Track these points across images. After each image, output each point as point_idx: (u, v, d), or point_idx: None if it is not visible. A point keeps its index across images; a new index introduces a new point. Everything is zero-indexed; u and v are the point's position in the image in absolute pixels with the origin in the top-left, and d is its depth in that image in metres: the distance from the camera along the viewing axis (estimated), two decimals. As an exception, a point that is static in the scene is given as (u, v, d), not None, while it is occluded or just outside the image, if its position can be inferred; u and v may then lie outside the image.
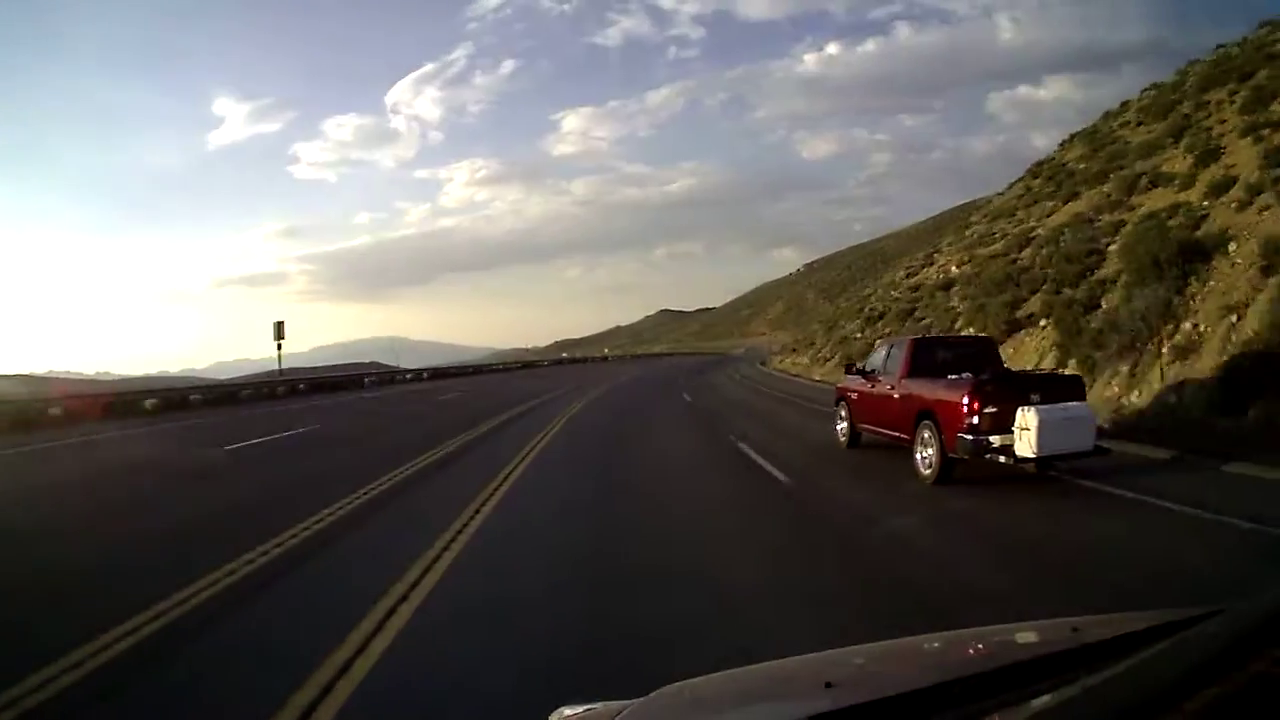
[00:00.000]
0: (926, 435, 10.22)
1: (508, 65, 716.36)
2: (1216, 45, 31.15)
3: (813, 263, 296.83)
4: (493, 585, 6.13)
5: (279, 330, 38.21)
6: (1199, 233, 16.34)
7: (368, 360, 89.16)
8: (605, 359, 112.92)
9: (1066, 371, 14.47)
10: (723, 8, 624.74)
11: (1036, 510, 8.34)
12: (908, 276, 41.89)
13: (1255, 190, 16.18)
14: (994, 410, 9.38)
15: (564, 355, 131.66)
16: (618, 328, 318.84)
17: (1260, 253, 13.85)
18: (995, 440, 9.30)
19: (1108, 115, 36.06)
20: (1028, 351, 19.71)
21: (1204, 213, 17.31)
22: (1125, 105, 35.27)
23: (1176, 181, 20.49)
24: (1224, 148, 20.07)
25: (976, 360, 11.62)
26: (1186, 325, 14.46)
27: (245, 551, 6.98)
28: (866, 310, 40.65)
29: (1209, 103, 24.68)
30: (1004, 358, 14.63)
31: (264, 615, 5.63)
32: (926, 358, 11.70)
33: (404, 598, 5.61)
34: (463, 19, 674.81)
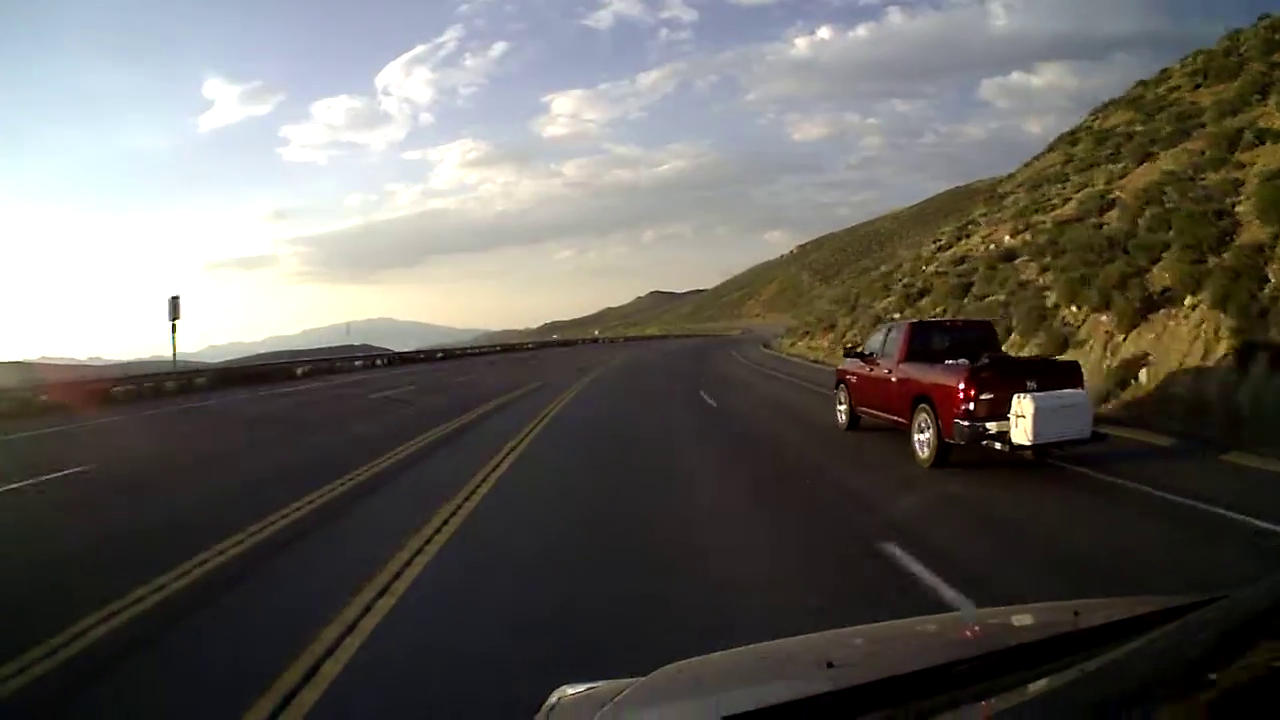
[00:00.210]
0: (924, 420, 10.27)
1: (498, 47, 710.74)
2: (1229, 30, 30.30)
3: (805, 244, 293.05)
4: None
5: (174, 309, 30.85)
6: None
7: (359, 343, 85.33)
8: (596, 340, 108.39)
9: (1063, 359, 13.93)
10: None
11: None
12: (940, 250, 37.58)
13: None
14: (990, 397, 9.42)
15: (554, 336, 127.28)
16: (608, 310, 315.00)
17: None
18: (992, 427, 9.35)
19: (1144, 84, 34.42)
20: (1179, 340, 14.58)
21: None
22: (1166, 72, 33.41)
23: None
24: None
25: (975, 345, 11.64)
26: None
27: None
28: (901, 287, 35.08)
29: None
30: (1152, 351, 14.70)
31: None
32: (924, 342, 11.79)
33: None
34: (454, 1, 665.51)
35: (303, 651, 4.57)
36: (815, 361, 35.12)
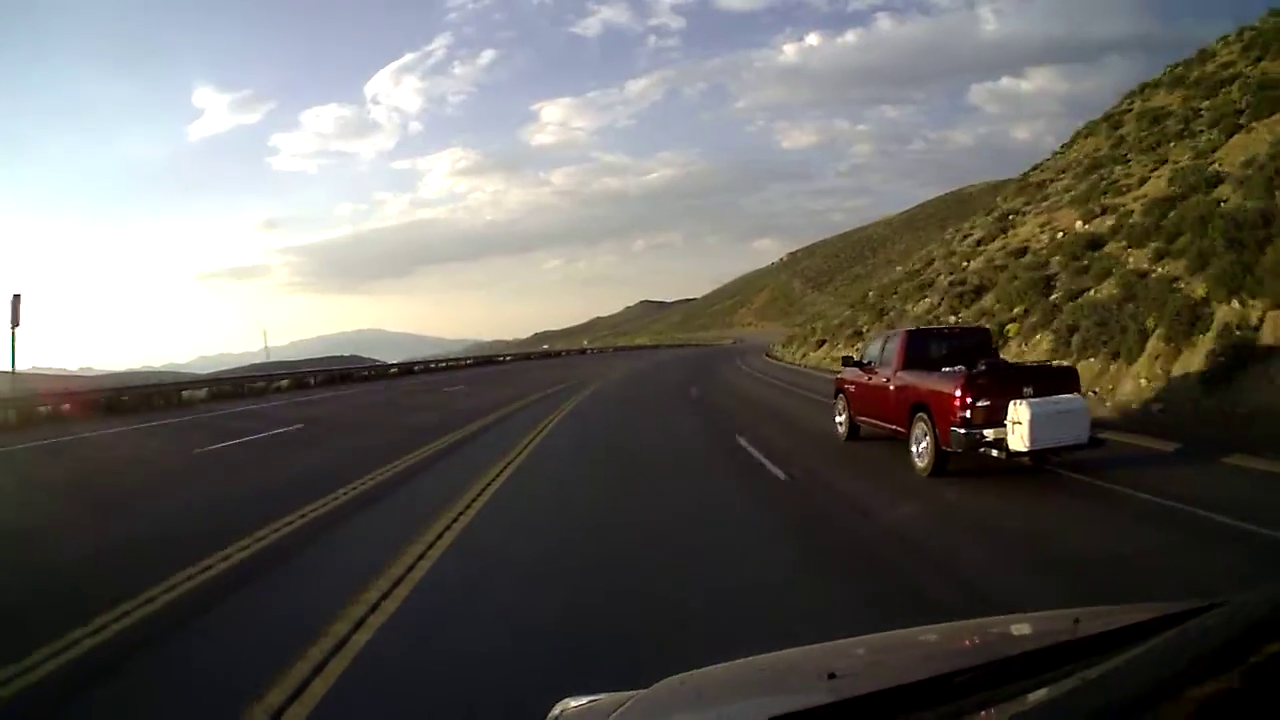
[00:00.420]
0: (921, 428, 10.21)
1: (487, 55, 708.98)
2: (1241, 27, 30.66)
3: (795, 252, 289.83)
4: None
5: (15, 313, 25.17)
6: None
7: (348, 354, 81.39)
8: (584, 351, 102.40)
9: (1060, 364, 14.05)
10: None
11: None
12: (980, 244, 33.74)
13: None
14: (987, 403, 9.35)
15: (544, 346, 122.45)
16: (598, 319, 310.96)
17: None
18: (989, 434, 9.28)
19: (1187, 63, 33.39)
20: None
21: None
22: (1205, 54, 32.34)
23: None
24: None
25: (971, 352, 11.39)
26: None
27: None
28: (947, 284, 29.59)
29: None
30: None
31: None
32: (921, 350, 11.66)
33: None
34: (442, 9, 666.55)
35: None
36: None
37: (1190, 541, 6.69)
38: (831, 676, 1.52)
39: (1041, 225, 27.53)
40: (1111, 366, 15.47)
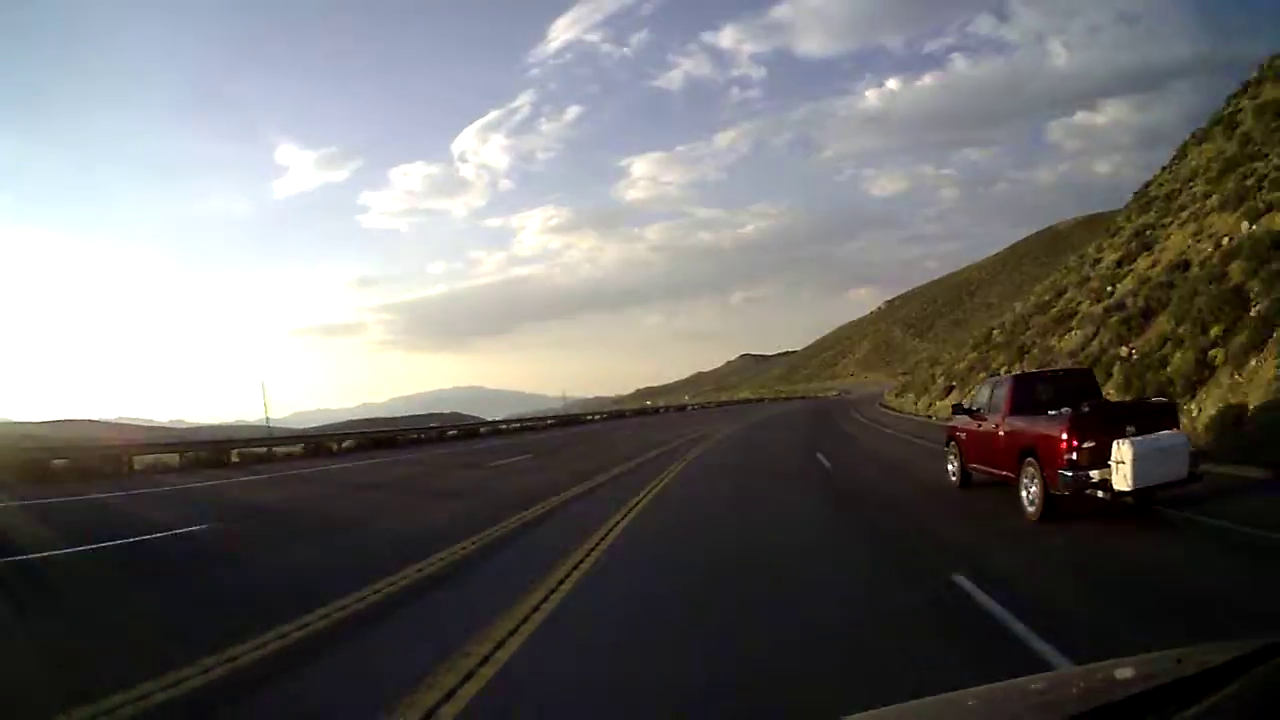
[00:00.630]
0: (1030, 472, 10.08)
1: (572, 111, 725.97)
2: None
3: (892, 300, 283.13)
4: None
5: None
6: None
7: (447, 410, 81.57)
8: (684, 409, 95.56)
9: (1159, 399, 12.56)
10: (781, 46, 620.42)
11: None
12: (1123, 264, 29.85)
13: None
14: (1092, 444, 9.19)
15: (648, 403, 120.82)
16: (700, 374, 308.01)
17: None
18: (1094, 475, 9.11)
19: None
20: None
21: None
22: None
23: None
24: None
25: (1075, 394, 11.17)
26: None
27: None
28: (1101, 311, 25.87)
29: None
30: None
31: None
32: (1028, 394, 11.61)
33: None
34: (524, 65, 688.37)
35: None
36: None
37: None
38: None
39: (1193, 234, 24.22)
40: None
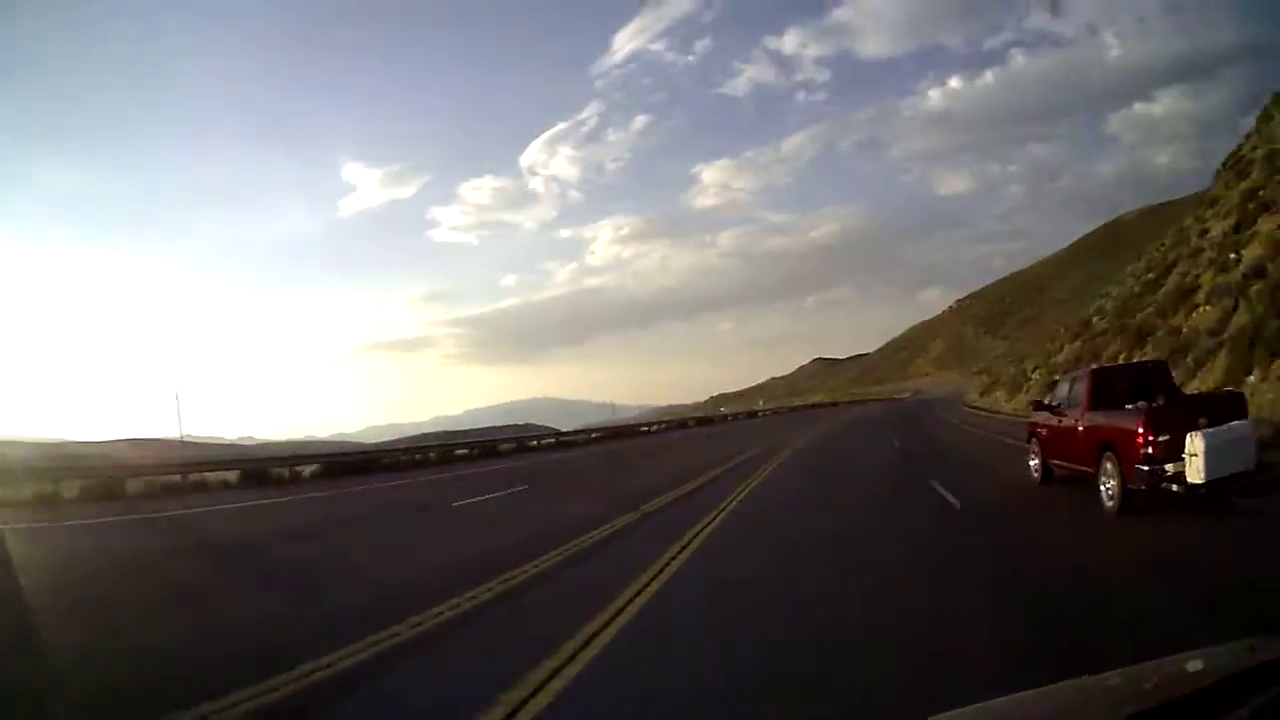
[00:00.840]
0: (1109, 467, 9.94)
1: (640, 120, 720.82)
2: None
3: (963, 299, 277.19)
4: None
5: None
6: None
7: (521, 422, 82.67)
8: (755, 415, 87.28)
9: (1227, 389, 13.53)
10: (844, 48, 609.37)
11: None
12: (1241, 229, 27.26)
13: None
14: (1167, 438, 9.05)
15: (722, 409, 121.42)
16: (773, 379, 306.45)
17: None
18: (1169, 468, 8.97)
19: None
20: None
21: None
22: None
23: None
24: None
25: (1150, 386, 11.05)
26: None
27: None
28: (1240, 279, 22.77)
29: None
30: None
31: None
32: (1106, 388, 11.36)
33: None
34: (589, 76, 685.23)
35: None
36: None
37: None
38: None
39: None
40: None
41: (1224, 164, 39.31)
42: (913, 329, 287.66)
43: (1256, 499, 9.18)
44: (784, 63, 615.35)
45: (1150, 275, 37.08)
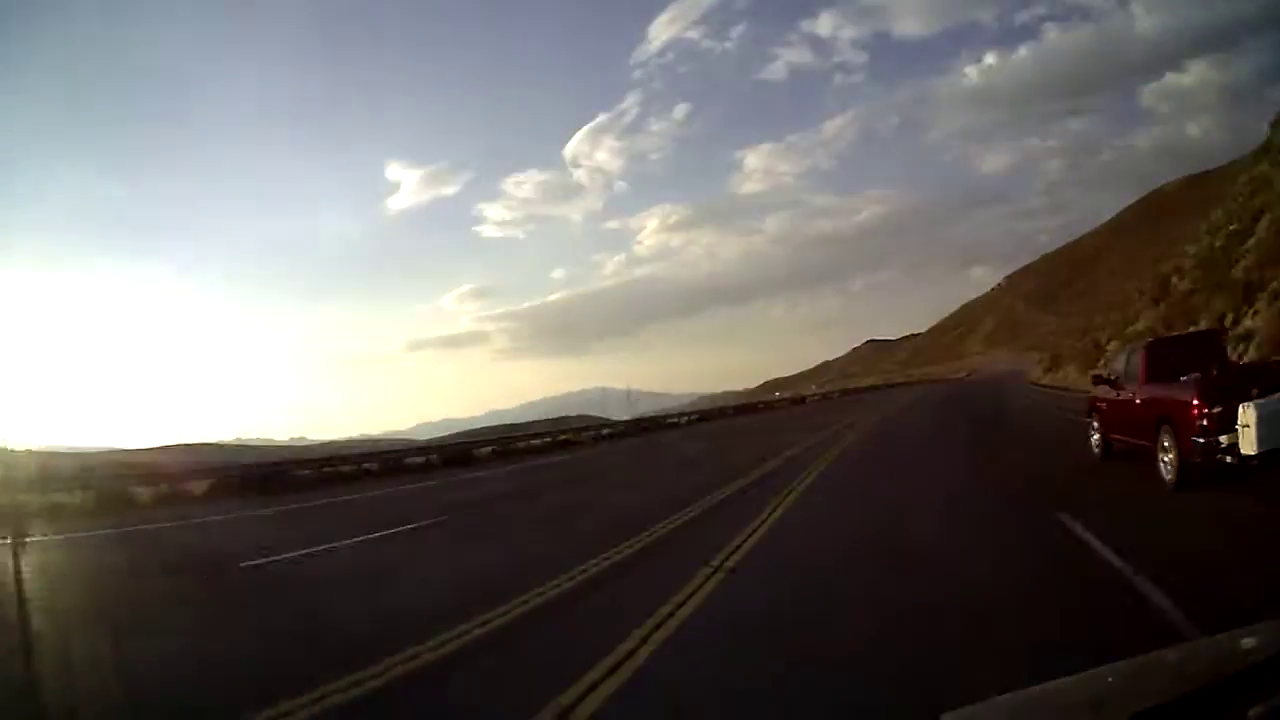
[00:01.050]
0: (1167, 441, 9.68)
1: (680, 109, 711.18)
2: None
3: (1011, 275, 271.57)
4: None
5: None
6: None
7: (575, 414, 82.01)
8: (803, 400, 78.46)
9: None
10: (879, 29, 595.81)
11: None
12: None
13: None
14: (1220, 409, 8.74)
15: (776, 394, 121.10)
16: (826, 363, 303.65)
17: None
18: (1223, 440, 8.67)
19: None
20: None
21: None
22: None
23: None
24: None
25: (1203, 357, 10.85)
26: None
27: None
28: None
29: None
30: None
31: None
32: (1162, 360, 11.04)
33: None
34: (627, 67, 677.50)
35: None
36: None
37: None
38: (1095, 707, 1.58)
39: None
40: None
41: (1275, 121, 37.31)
42: (963, 307, 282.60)
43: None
44: (821, 45, 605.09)
45: (1233, 226, 32.94)
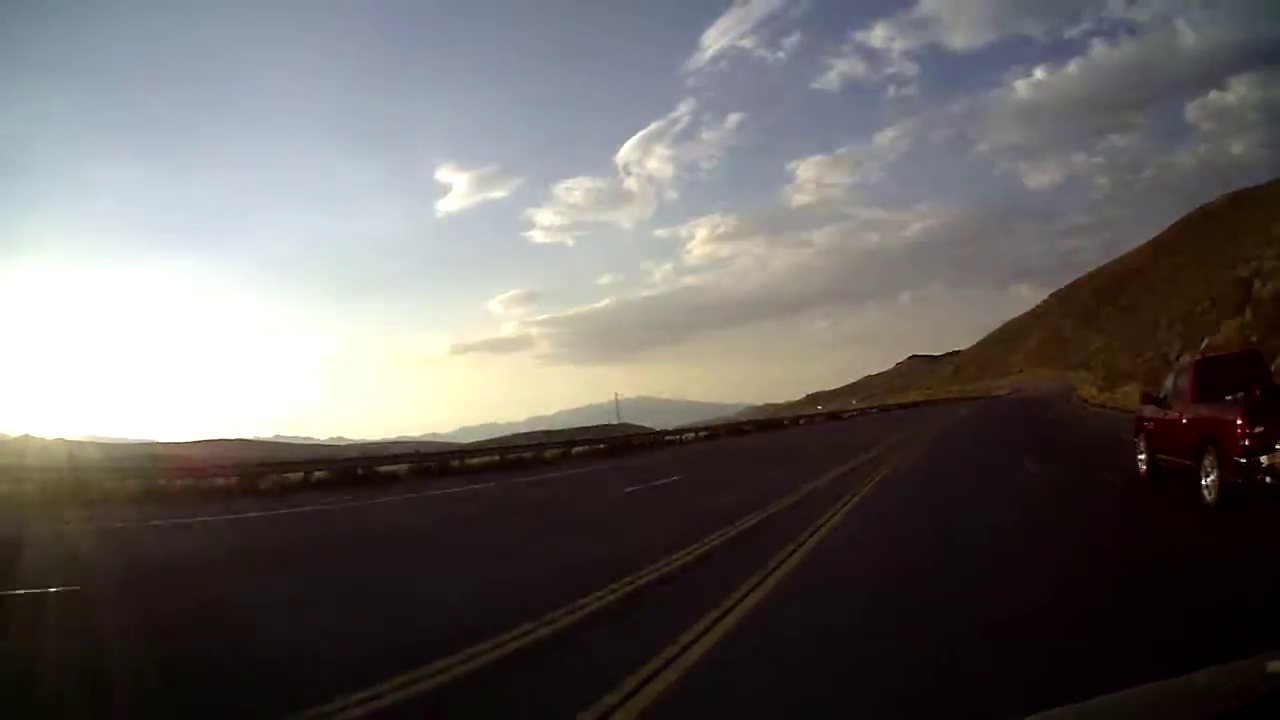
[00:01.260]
0: (1209, 460, 9.58)
1: (733, 118, 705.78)
2: None
3: (1056, 292, 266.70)
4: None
5: None
6: None
7: (618, 421, 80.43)
8: (839, 417, 73.93)
9: None
10: (932, 40, 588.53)
11: None
12: None
13: None
14: (1262, 429, 8.63)
15: (819, 407, 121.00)
16: (869, 377, 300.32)
17: None
18: (1264, 460, 8.52)
19: None
20: None
21: None
22: None
23: None
24: None
25: (1246, 376, 10.44)
26: None
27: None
28: None
29: None
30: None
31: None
32: (1208, 379, 10.91)
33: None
34: (681, 74, 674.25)
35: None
36: None
37: None
38: None
39: None
40: None
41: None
42: (1007, 324, 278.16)
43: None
44: (874, 57, 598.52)
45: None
